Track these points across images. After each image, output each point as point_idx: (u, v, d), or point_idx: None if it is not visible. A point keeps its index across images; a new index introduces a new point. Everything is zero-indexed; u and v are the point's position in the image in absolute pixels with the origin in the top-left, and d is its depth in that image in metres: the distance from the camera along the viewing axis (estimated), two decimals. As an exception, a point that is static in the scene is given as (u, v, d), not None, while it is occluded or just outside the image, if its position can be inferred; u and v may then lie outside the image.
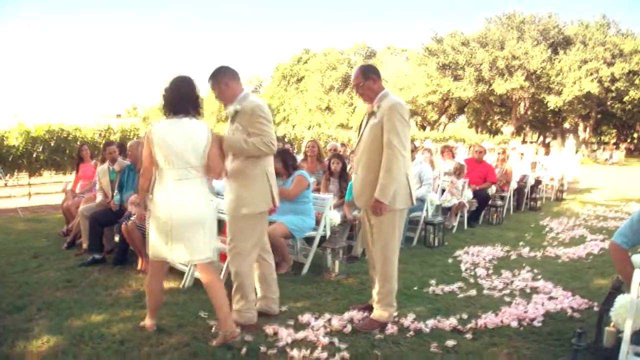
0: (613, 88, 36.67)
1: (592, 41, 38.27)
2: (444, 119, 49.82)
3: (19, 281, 5.60)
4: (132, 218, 5.99)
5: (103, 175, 7.38)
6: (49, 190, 14.86)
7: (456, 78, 41.04)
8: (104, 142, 10.43)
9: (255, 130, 4.18)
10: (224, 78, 4.40)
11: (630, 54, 37.09)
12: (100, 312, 4.63)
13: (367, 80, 4.45)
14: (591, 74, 36.23)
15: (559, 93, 37.84)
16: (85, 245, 6.99)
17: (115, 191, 6.89)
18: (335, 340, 4.05)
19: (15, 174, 13.72)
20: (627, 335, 2.81)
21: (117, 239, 6.95)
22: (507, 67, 38.64)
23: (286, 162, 6.24)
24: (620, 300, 2.90)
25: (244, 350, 3.82)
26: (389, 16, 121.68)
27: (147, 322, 4.27)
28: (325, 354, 3.79)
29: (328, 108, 58.51)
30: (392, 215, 4.36)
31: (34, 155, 13.09)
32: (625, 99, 37.57)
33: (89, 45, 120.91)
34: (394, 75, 47.39)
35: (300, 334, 4.15)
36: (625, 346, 2.81)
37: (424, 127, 48.49)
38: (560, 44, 39.92)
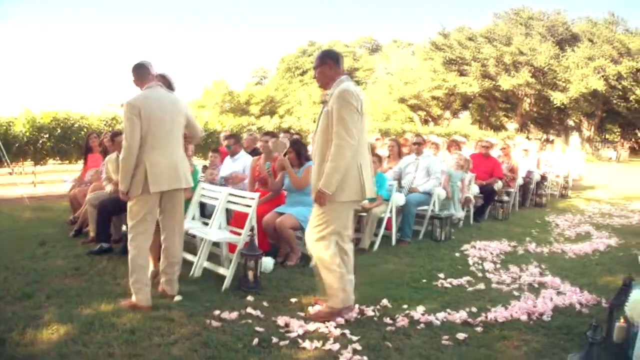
0: (619, 86, 36.56)
1: (600, 39, 38.13)
2: (447, 114, 49.68)
3: (26, 268, 5.59)
4: None
5: (111, 164, 7.38)
6: (54, 178, 14.89)
7: (462, 73, 41.01)
8: (110, 131, 10.41)
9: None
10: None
11: (637, 52, 36.94)
12: (109, 301, 4.61)
13: (323, 65, 4.37)
14: (598, 72, 36.15)
15: (565, 90, 37.78)
16: (92, 234, 6.97)
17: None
18: (347, 332, 4.05)
19: (21, 162, 13.75)
20: (642, 330, 2.82)
21: (124, 228, 6.99)
22: (514, 63, 38.62)
23: (299, 152, 6.27)
24: (636, 295, 2.90)
25: (255, 340, 3.82)
26: (396, 9, 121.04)
27: None
28: (337, 346, 3.79)
29: (332, 101, 58.42)
30: (335, 206, 4.25)
31: (40, 143, 13.10)
32: (631, 97, 37.45)
33: (97, 33, 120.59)
34: (399, 69, 47.36)
35: (312, 326, 4.16)
36: (640, 341, 2.82)
37: (427, 122, 48.39)
38: (567, 40, 39.87)
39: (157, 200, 4.60)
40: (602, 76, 36.01)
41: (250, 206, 5.31)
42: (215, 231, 5.58)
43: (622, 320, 3.68)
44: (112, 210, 6.75)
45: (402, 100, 46.18)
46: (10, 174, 12.84)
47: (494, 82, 39.74)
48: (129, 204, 4.58)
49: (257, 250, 5.01)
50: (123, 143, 4.40)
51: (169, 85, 4.99)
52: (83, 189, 8.08)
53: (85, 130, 13.85)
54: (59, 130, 13.52)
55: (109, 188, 7.25)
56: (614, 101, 39.30)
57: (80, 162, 14.04)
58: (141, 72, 4.66)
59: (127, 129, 4.38)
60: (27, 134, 12.98)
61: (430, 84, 41.95)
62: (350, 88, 4.20)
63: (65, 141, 13.61)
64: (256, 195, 5.42)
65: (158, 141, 4.48)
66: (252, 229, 5.26)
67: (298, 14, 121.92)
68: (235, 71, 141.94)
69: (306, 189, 5.97)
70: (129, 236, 4.59)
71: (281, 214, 5.94)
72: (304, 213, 5.81)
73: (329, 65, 4.35)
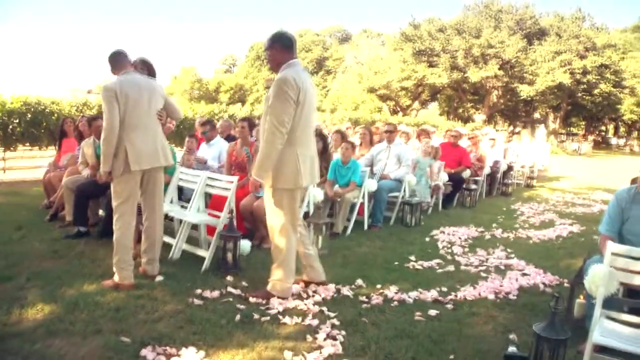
0: (584, 80, 37.29)
1: (567, 33, 38.84)
2: (416, 104, 50.09)
3: (4, 251, 5.63)
4: None
5: (88, 148, 7.42)
6: (24, 164, 14.71)
7: (431, 64, 41.34)
8: (83, 115, 10.39)
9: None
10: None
11: (603, 47, 37.94)
12: (91, 282, 4.72)
13: (271, 49, 4.38)
14: (564, 65, 36.81)
15: (532, 83, 38.37)
16: (68, 218, 7.01)
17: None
18: (325, 309, 4.24)
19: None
20: (599, 301, 3.05)
21: (101, 212, 7.05)
22: (482, 56, 39.01)
23: None
24: (594, 269, 3.14)
25: (237, 317, 3.99)
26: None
27: None
28: (316, 321, 3.98)
29: (301, 89, 58.46)
30: (276, 193, 4.36)
31: (10, 128, 12.96)
32: (596, 91, 38.30)
33: (62, 19, 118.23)
34: (369, 58, 47.52)
35: (291, 303, 4.34)
36: (598, 310, 3.05)
37: (396, 112, 48.77)
38: (535, 34, 40.46)
39: (139, 179, 4.72)
40: (568, 70, 36.69)
41: (229, 189, 5.45)
42: (194, 213, 5.70)
43: (581, 297, 3.95)
44: (89, 194, 6.80)
45: (372, 90, 46.36)
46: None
47: (462, 74, 40.13)
48: (112, 185, 4.68)
49: (236, 232, 5.16)
50: (104, 125, 4.51)
51: (150, 71, 5.12)
52: (58, 173, 8.07)
53: (56, 115, 13.73)
54: (30, 115, 13.36)
55: (85, 172, 7.31)
56: (579, 95, 40.11)
57: (51, 148, 13.97)
58: (118, 60, 4.76)
59: (106, 112, 4.49)
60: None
61: (400, 74, 42.13)
62: (288, 76, 4.17)
63: (35, 126, 13.45)
64: (235, 178, 5.55)
65: (136, 122, 4.60)
66: (230, 212, 5.41)
67: (268, 1, 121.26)
68: (204, 59, 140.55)
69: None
70: (115, 216, 4.69)
71: (258, 197, 6.09)
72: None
73: (276, 48, 4.34)
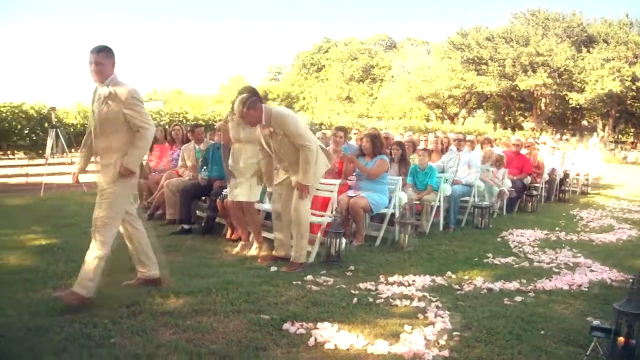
0: (634, 87, 37.13)
1: (615, 40, 38.73)
2: (463, 112, 50.28)
3: (121, 246, 5.96)
4: (224, 192, 6.75)
5: (188, 153, 8.30)
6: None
7: (480, 73, 41.62)
8: (180, 122, 11.45)
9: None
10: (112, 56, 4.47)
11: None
12: (212, 272, 5.41)
13: (249, 110, 5.39)
14: (613, 73, 36.70)
15: (581, 91, 38.38)
16: (168, 217, 7.83)
17: (203, 167, 7.70)
18: (426, 294, 4.94)
19: (73, 150, 14.65)
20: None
21: (199, 212, 7.79)
22: (531, 64, 39.19)
23: (375, 144, 7.16)
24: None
25: (354, 300, 4.67)
26: (411, 8, 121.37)
27: None
28: (422, 304, 4.67)
29: (348, 98, 59.23)
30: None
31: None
32: (646, 98, 38.13)
33: (107, 29, 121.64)
34: (417, 67, 47.93)
35: (397, 289, 5.05)
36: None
37: (443, 120, 49.04)
38: (583, 42, 40.46)
39: None
40: (618, 77, 36.55)
41: (332, 191, 6.22)
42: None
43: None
44: (193, 194, 7.59)
45: (421, 98, 46.85)
46: (71, 162, 13.62)
47: (511, 82, 40.30)
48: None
49: (339, 229, 5.92)
50: (148, 128, 4.45)
51: None
52: (155, 176, 8.84)
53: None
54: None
55: (187, 175, 8.16)
56: (629, 102, 39.91)
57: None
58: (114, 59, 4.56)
59: (142, 114, 4.43)
60: (79, 125, 14.05)
61: (448, 82, 42.57)
62: (283, 110, 5.72)
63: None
64: (337, 181, 6.34)
65: None
66: (335, 211, 6.18)
67: (313, 10, 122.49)
68: (251, 68, 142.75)
69: (379, 178, 6.96)
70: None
71: (351, 197, 6.86)
72: (375, 198, 6.77)
73: (254, 109, 5.43)
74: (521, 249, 7.18)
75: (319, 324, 4.04)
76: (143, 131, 4.39)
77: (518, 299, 4.95)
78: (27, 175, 13.39)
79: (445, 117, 50.49)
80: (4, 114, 12.96)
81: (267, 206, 6.50)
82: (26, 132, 13.25)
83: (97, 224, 4.38)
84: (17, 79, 78.33)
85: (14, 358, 3.37)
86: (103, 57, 4.36)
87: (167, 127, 10.51)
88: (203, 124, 13.12)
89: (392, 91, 50.52)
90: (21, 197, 10.55)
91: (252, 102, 5.40)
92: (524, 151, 11.63)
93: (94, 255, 4.35)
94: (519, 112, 50.77)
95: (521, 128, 47.14)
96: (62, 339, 3.63)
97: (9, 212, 8.90)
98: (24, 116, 13.32)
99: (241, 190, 6.16)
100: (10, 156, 13.86)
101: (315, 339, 3.75)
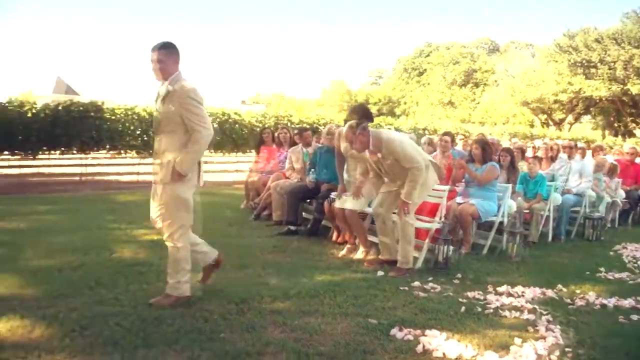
0: None
1: None
2: (569, 118, 48.19)
3: (230, 244, 6.35)
4: (332, 195, 6.87)
5: (297, 156, 8.49)
6: (207, 168, 16.34)
7: (588, 76, 39.75)
8: (283, 125, 11.78)
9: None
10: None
11: None
12: (319, 273, 5.52)
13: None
14: None
15: (701, 96, 35.93)
16: (275, 218, 8.02)
17: (311, 170, 7.87)
18: (537, 306, 4.79)
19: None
20: None
21: (305, 214, 7.92)
22: (644, 67, 37.04)
23: (485, 150, 7.07)
24: None
25: (462, 308, 4.61)
26: (514, 10, 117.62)
27: None
28: (532, 316, 4.53)
29: (450, 102, 58.36)
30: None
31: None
32: None
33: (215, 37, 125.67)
34: (521, 71, 46.38)
35: (506, 299, 4.93)
36: None
37: (547, 126, 47.28)
38: (703, 42, 37.75)
39: None
40: None
41: (442, 197, 6.16)
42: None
43: None
44: (301, 196, 7.74)
45: (525, 103, 45.27)
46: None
47: (622, 86, 38.22)
48: None
49: (447, 236, 5.87)
50: (197, 129, 4.18)
51: None
52: (262, 177, 9.09)
53: (237, 125, 15.48)
54: (215, 125, 15.01)
55: (295, 177, 8.34)
56: None
57: (233, 155, 15.75)
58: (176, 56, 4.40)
59: (201, 116, 4.21)
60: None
61: (554, 87, 40.90)
62: (383, 132, 5.92)
63: (220, 134, 15.00)
64: (446, 187, 6.26)
65: None
66: (443, 217, 6.13)
67: (415, 14, 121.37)
68: (351, 72, 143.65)
69: (488, 185, 6.85)
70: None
71: (459, 204, 6.79)
72: (483, 205, 6.66)
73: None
74: (636, 264, 6.79)
75: (427, 331, 4.01)
76: (197, 135, 4.16)
77: (634, 317, 4.69)
78: (138, 173, 14.12)
79: (551, 122, 48.59)
80: (118, 116, 13.77)
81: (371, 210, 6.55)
82: (138, 132, 14.00)
83: (161, 225, 4.42)
84: (132, 82, 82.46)
85: (129, 346, 3.53)
86: (164, 54, 4.23)
87: (273, 129, 10.82)
88: (308, 127, 13.40)
89: (496, 96, 49.21)
90: (133, 194, 11.12)
91: (362, 128, 5.55)
92: (638, 160, 11.03)
93: (173, 257, 4.40)
94: (631, 119, 47.93)
95: (632, 135, 44.59)
96: (174, 330, 3.81)
97: (122, 208, 9.46)
98: (136, 118, 14.07)
99: (349, 199, 6.31)
100: (123, 155, 14.57)
101: (424, 346, 3.73)
